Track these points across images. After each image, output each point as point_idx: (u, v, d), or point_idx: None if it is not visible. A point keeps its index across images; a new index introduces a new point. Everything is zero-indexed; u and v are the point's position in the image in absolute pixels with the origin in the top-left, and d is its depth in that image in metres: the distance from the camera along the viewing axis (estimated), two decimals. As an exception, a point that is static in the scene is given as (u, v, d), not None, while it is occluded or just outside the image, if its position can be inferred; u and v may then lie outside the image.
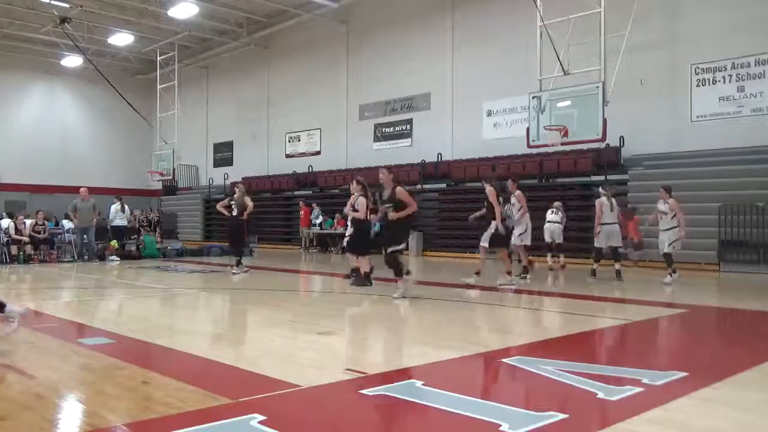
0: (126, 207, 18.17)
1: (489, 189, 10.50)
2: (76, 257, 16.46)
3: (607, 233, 11.54)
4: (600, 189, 12.39)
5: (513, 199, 11.60)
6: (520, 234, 11.51)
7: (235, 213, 12.72)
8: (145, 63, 31.29)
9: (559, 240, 14.12)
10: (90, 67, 25.86)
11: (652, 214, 11.40)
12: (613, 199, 11.81)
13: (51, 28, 24.60)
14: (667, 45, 16.13)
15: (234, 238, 13.28)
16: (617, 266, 11.48)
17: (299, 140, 26.61)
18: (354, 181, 10.77)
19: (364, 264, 10.16)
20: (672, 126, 15.99)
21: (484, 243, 10.42)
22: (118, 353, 5.19)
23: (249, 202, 12.86)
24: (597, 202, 11.83)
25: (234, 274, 12.58)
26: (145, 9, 24.72)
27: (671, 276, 10.86)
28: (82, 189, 16.60)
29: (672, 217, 11.07)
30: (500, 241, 10.43)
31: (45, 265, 15.38)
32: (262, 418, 3.34)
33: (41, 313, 7.68)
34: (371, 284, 10.00)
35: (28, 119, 30.55)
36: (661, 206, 11.06)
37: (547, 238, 14.05)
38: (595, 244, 11.79)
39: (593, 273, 11.54)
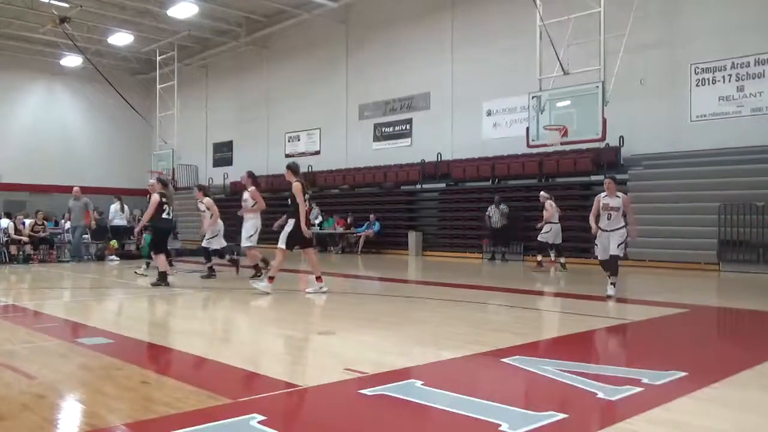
0: (125, 207, 18.16)
1: (296, 185, 9.68)
2: (72, 257, 16.41)
3: (555, 231, 13.71)
4: (543, 193, 14.36)
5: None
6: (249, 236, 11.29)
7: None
8: (145, 63, 31.27)
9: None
10: (89, 66, 25.81)
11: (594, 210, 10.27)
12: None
13: (50, 27, 24.56)
14: (667, 45, 16.14)
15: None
16: (562, 259, 13.77)
17: (299, 140, 26.61)
18: (156, 180, 11.34)
19: (161, 263, 10.42)
20: (672, 126, 16.00)
21: (281, 244, 9.51)
22: (117, 353, 5.19)
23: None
24: (548, 203, 13.78)
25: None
26: (144, 9, 24.71)
27: (614, 286, 8.85)
28: (75, 188, 16.57)
29: (623, 215, 9.25)
30: (302, 241, 9.50)
31: (45, 264, 15.37)
32: (261, 418, 3.34)
33: (41, 313, 7.68)
34: (168, 284, 10.28)
35: (28, 119, 30.53)
36: (611, 201, 8.88)
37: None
38: (542, 239, 13.77)
39: (540, 264, 13.67)
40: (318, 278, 9.47)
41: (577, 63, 14.60)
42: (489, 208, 17.09)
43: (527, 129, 15.41)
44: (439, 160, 20.68)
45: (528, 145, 15.84)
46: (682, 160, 15.41)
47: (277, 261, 9.43)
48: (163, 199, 10.59)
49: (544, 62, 15.07)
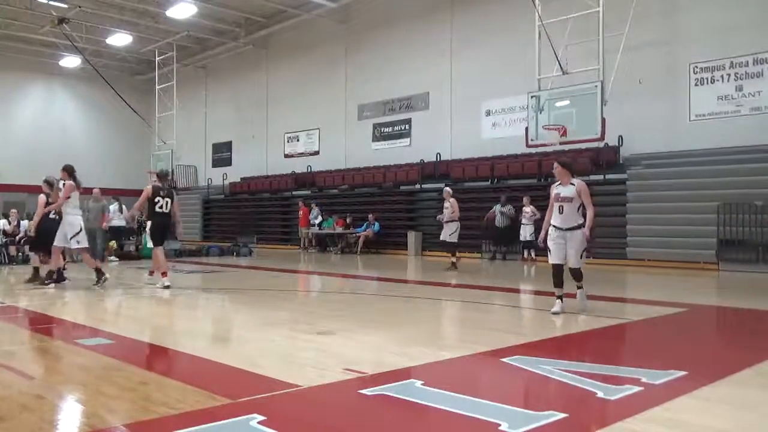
0: (124, 207, 18.15)
1: (146, 189, 10.26)
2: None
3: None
4: (448, 188, 14.52)
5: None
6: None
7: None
8: (144, 63, 31.29)
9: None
10: (88, 67, 25.84)
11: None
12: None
13: (49, 28, 24.59)
14: (666, 44, 16.15)
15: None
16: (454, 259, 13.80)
17: (298, 140, 26.61)
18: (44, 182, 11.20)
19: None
20: (671, 125, 16.02)
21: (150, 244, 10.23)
22: (116, 354, 5.19)
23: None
24: (453, 200, 13.81)
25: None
26: (143, 9, 24.72)
27: (561, 302, 7.28)
28: (95, 190, 16.43)
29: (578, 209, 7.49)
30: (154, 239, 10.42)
31: (45, 265, 15.32)
32: (261, 418, 3.33)
33: (39, 314, 7.67)
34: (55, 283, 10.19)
35: (27, 119, 30.53)
36: (563, 191, 7.30)
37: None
38: (453, 239, 13.76)
39: (454, 266, 13.48)
40: (164, 274, 10.11)
41: (576, 63, 14.61)
42: (494, 208, 17.09)
43: (526, 129, 15.43)
44: (438, 160, 20.69)
45: (527, 145, 15.85)
46: (681, 160, 15.43)
47: (158, 258, 10.37)
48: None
49: (543, 62, 15.08)
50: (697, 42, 15.70)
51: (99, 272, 10.30)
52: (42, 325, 6.84)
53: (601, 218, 16.77)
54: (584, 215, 7.18)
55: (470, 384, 4.41)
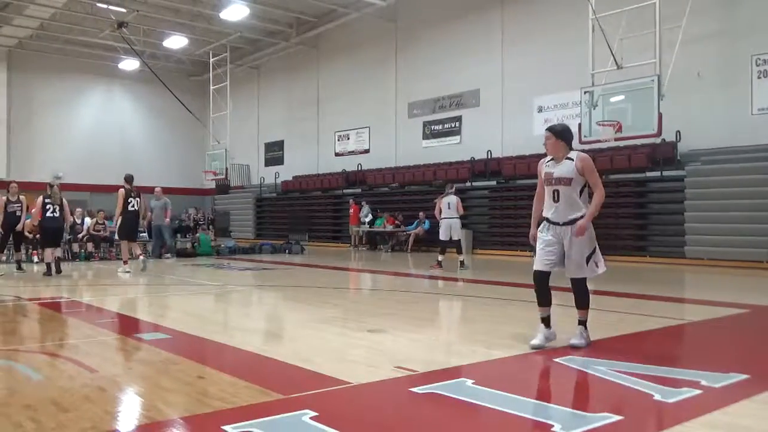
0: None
1: (119, 191, 12.64)
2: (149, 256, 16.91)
3: (447, 226, 13.25)
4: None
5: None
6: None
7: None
8: (198, 65, 32.01)
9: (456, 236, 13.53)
10: (146, 69, 26.61)
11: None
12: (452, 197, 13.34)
13: (109, 32, 25.40)
14: (726, 36, 15.58)
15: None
16: (460, 257, 13.42)
17: (348, 139, 26.77)
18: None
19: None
20: (731, 120, 15.44)
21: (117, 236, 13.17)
22: (174, 348, 5.33)
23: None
24: (439, 200, 13.52)
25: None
26: (198, 12, 25.29)
27: (584, 329, 5.39)
28: (156, 188, 17.35)
29: (580, 193, 6.02)
30: (123, 234, 12.78)
31: (105, 262, 15.88)
32: (313, 414, 3.38)
33: (102, 309, 7.95)
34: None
35: (88, 121, 31.58)
36: (556, 170, 5.40)
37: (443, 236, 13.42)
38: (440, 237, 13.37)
39: (439, 264, 13.08)
40: (125, 262, 12.58)
41: (631, 57, 14.26)
42: None
43: (579, 125, 15.13)
44: (489, 157, 20.50)
45: (580, 142, 15.52)
46: (743, 155, 14.84)
47: (126, 249, 12.88)
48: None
49: (597, 56, 14.77)
50: (759, 33, 15.07)
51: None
52: (103, 319, 7.08)
53: (658, 216, 16.45)
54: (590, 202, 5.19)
55: (522, 384, 4.37)
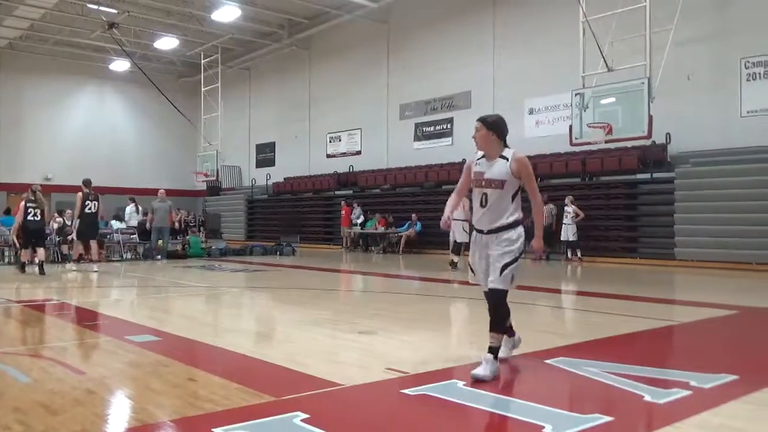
0: (140, 207, 18.94)
1: (78, 195, 13.23)
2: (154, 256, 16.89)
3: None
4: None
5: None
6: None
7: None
8: (190, 66, 31.93)
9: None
10: (137, 70, 26.54)
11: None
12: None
13: (100, 33, 25.34)
14: (716, 39, 15.69)
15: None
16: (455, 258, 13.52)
17: (340, 140, 26.77)
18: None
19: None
20: (721, 122, 15.55)
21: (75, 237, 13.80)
22: (164, 350, 5.30)
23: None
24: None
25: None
26: (189, 13, 25.22)
27: (495, 353, 4.74)
28: (160, 191, 17.50)
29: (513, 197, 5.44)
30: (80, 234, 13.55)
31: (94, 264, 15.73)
32: (305, 416, 3.37)
33: (91, 311, 7.90)
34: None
35: (79, 122, 31.43)
36: (488, 170, 4.66)
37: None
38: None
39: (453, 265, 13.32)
40: (93, 261, 13.32)
41: (622, 59, 14.35)
42: None
43: (570, 127, 15.22)
44: (480, 159, 20.50)
45: (571, 144, 15.63)
46: (732, 157, 14.96)
47: (79, 247, 13.90)
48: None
49: (588, 59, 14.85)
50: (748, 36, 15.19)
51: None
52: (92, 321, 7.04)
53: (649, 218, 16.53)
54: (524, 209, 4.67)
55: (513, 385, 4.37)
